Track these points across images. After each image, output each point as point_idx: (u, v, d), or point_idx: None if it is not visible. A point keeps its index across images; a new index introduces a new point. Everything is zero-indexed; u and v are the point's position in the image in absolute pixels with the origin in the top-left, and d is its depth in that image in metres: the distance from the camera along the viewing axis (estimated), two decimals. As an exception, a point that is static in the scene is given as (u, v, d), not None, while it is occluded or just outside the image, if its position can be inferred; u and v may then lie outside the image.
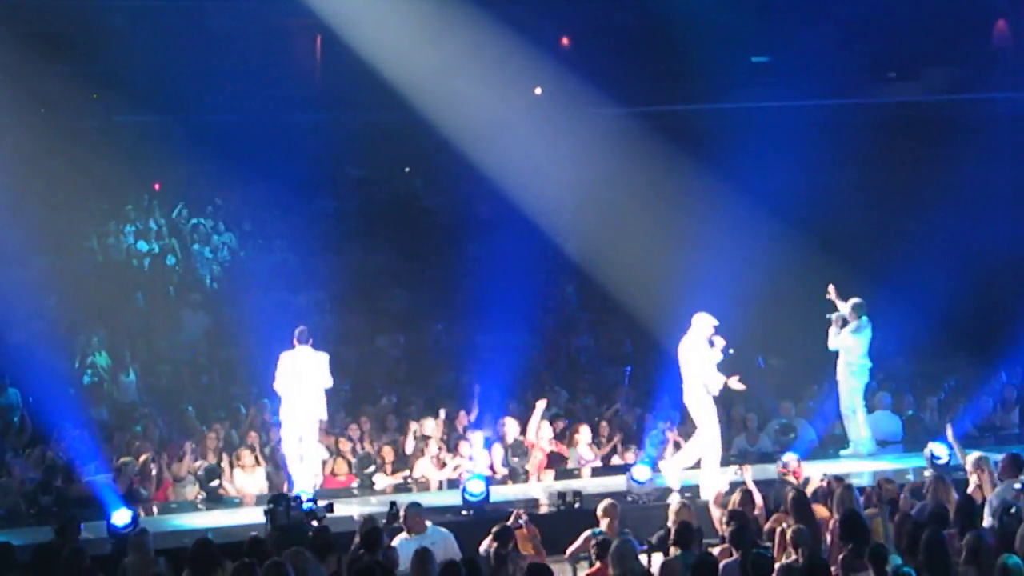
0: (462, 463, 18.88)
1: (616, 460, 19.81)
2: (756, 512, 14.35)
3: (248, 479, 18.43)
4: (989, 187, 26.60)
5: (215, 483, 18.09)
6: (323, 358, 17.50)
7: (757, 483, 15.06)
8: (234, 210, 27.87)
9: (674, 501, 14.31)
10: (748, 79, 29.99)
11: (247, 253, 27.09)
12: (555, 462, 19.49)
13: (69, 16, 26.90)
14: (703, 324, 17.88)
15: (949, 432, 17.05)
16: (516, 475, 18.96)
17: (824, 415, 20.12)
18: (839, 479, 14.99)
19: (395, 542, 13.95)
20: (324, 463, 18.62)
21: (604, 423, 20.56)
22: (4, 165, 24.69)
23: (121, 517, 15.27)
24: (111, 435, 19.29)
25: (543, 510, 16.55)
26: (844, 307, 19.00)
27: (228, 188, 27.82)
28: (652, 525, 14.80)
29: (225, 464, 18.53)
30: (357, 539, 13.48)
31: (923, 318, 22.62)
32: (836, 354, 19.18)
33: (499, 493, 17.24)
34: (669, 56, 28.78)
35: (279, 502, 14.99)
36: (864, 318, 18.99)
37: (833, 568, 12.26)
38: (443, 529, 14.63)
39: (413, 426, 19.86)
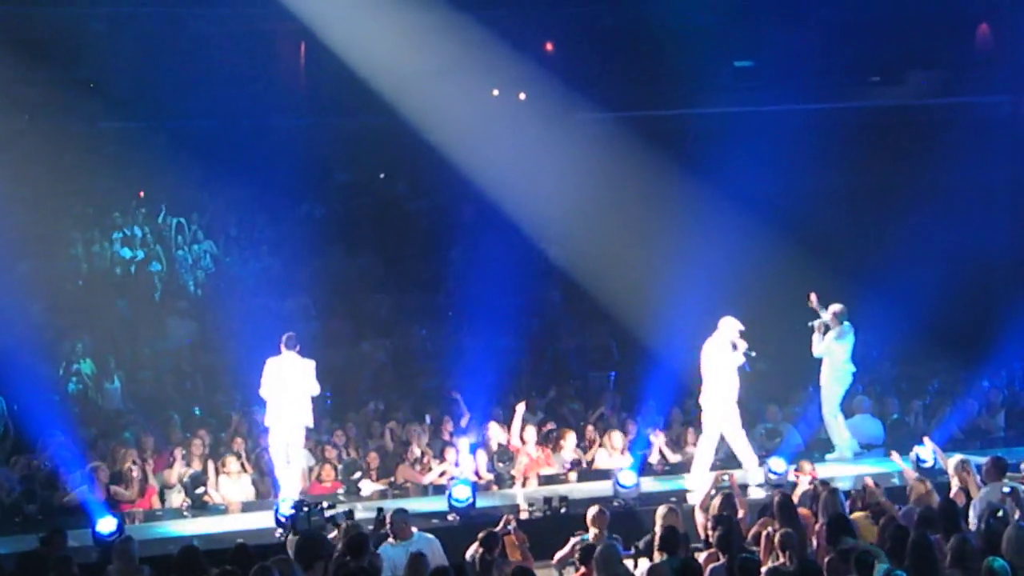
0: (448, 468, 18.87)
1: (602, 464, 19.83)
2: (740, 516, 14.36)
3: (234, 486, 18.40)
4: (972, 190, 26.62)
5: (200, 490, 18.07)
6: (309, 365, 17.44)
7: (742, 487, 15.08)
8: (218, 215, 27.82)
9: (661, 506, 14.29)
10: (731, 83, 30.04)
11: (231, 259, 27.04)
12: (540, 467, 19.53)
13: (52, 22, 26.84)
14: (729, 327, 17.94)
15: (927, 442, 17.15)
16: (502, 480, 18.94)
17: (809, 419, 20.14)
18: (824, 483, 15.02)
19: (381, 548, 13.94)
20: (310, 469, 18.60)
21: (590, 427, 20.55)
22: (-12, 171, 24.66)
23: (106, 525, 15.25)
24: (95, 442, 19.26)
25: (529, 515, 16.55)
26: (826, 314, 19.04)
27: (212, 193, 27.78)
28: (640, 530, 14.80)
29: (210, 471, 18.50)
30: (342, 545, 13.47)
31: (907, 322, 22.65)
32: (821, 359, 19.22)
33: (485, 499, 17.23)
34: (652, 61, 28.82)
35: (300, 507, 15.08)
36: (846, 324, 19.03)
37: (819, 572, 12.29)
38: (429, 535, 14.61)
39: (393, 426, 19.88)
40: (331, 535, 14.48)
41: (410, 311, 26.19)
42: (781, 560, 12.43)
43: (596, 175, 26.30)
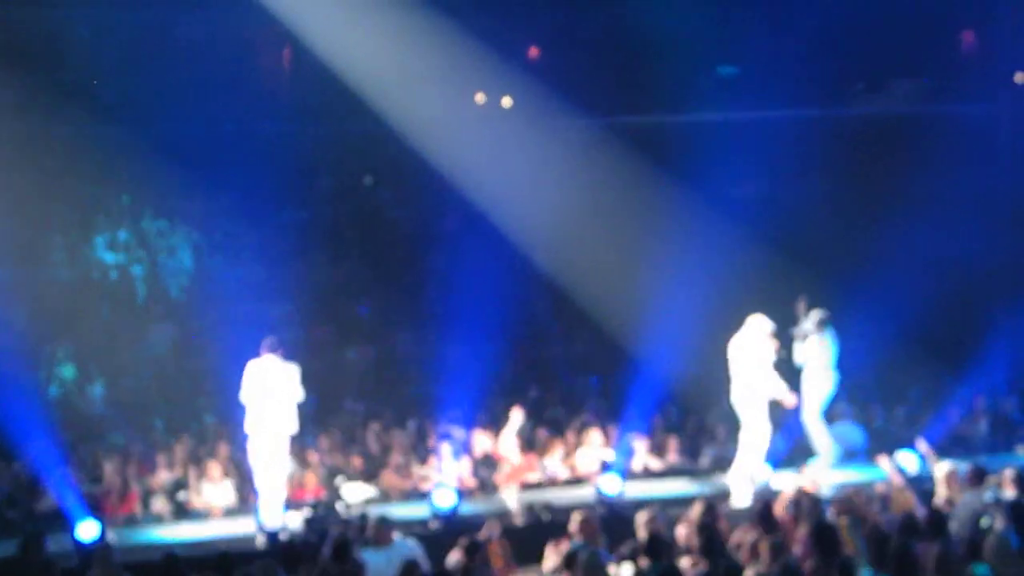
0: (431, 474, 18.85)
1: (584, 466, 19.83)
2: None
3: (216, 492, 18.36)
4: (956, 198, 26.65)
5: (183, 496, 18.03)
6: (293, 370, 17.35)
7: (727, 494, 15.08)
8: (201, 221, 27.76)
9: (641, 512, 14.26)
10: (715, 90, 30.04)
11: (214, 264, 26.99)
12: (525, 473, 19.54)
13: (35, 27, 26.78)
14: (757, 326, 17.89)
15: (921, 444, 17.13)
16: (485, 487, 18.93)
17: (792, 426, 20.14)
18: (806, 490, 15.02)
19: (362, 554, 13.91)
20: (292, 475, 18.55)
21: (572, 433, 20.55)
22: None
23: (87, 531, 15.22)
24: (77, 447, 19.21)
25: (512, 522, 16.53)
26: (807, 322, 19.03)
27: (195, 199, 27.72)
28: (623, 536, 14.78)
29: (192, 477, 18.45)
30: (326, 552, 13.45)
31: (891, 329, 22.69)
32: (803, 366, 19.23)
33: (468, 505, 17.22)
34: (637, 67, 28.81)
35: (317, 509, 15.09)
36: (829, 330, 19.03)
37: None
38: (411, 541, 14.59)
39: (376, 428, 19.87)
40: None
41: (394, 317, 26.18)
42: (763, 566, 12.43)
43: (580, 181, 26.30)
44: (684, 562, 13.13)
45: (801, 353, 19.09)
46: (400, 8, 25.12)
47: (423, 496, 17.69)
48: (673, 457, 20.30)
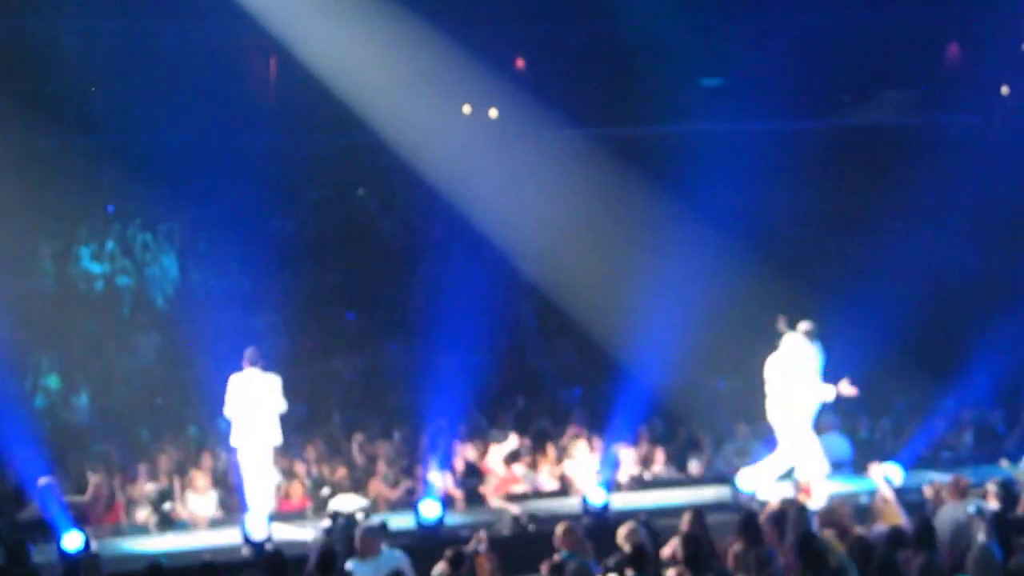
0: (416, 486, 18.84)
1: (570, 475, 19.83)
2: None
3: (201, 502, 18.33)
4: (942, 209, 26.73)
5: (168, 506, 18.00)
6: (275, 381, 17.35)
7: (709, 506, 15.08)
8: (188, 231, 27.72)
9: (624, 525, 14.23)
10: (700, 101, 30.09)
11: (201, 274, 26.95)
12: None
13: (21, 36, 26.75)
14: (795, 343, 17.91)
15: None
16: (471, 498, 18.92)
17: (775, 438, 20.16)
18: (791, 501, 15.02)
19: (348, 565, 13.90)
20: (278, 486, 18.53)
21: (558, 444, 20.54)
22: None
23: (72, 541, 15.19)
24: (63, 458, 19.17)
25: (499, 534, 16.51)
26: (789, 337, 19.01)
27: (182, 209, 27.69)
28: (609, 547, 14.76)
29: (177, 487, 18.43)
30: (311, 561, 13.44)
31: (877, 339, 22.70)
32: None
33: (454, 516, 17.21)
34: (623, 78, 28.87)
35: (337, 517, 15.10)
36: (816, 342, 19.02)
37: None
38: (397, 552, 14.58)
39: (360, 439, 19.87)
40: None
41: (380, 328, 26.16)
42: (750, 577, 12.45)
43: (566, 192, 26.32)
44: (670, 573, 13.12)
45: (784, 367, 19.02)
46: (387, 19, 25.14)
47: (409, 507, 17.66)
48: (660, 468, 20.32)
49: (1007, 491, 15.53)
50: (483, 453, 19.93)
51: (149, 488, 18.27)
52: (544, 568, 12.95)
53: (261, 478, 17.48)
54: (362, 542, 14.25)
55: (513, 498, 18.84)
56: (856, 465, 19.67)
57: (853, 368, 19.11)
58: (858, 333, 21.95)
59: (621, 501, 17.98)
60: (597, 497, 17.11)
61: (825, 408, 19.84)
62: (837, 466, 19.72)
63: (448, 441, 19.80)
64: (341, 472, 19.10)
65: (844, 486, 18.38)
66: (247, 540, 15.84)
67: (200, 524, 17.81)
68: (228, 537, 16.52)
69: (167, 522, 17.73)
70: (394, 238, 29.23)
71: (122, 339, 24.49)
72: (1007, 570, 12.32)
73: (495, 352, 25.18)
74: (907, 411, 22.37)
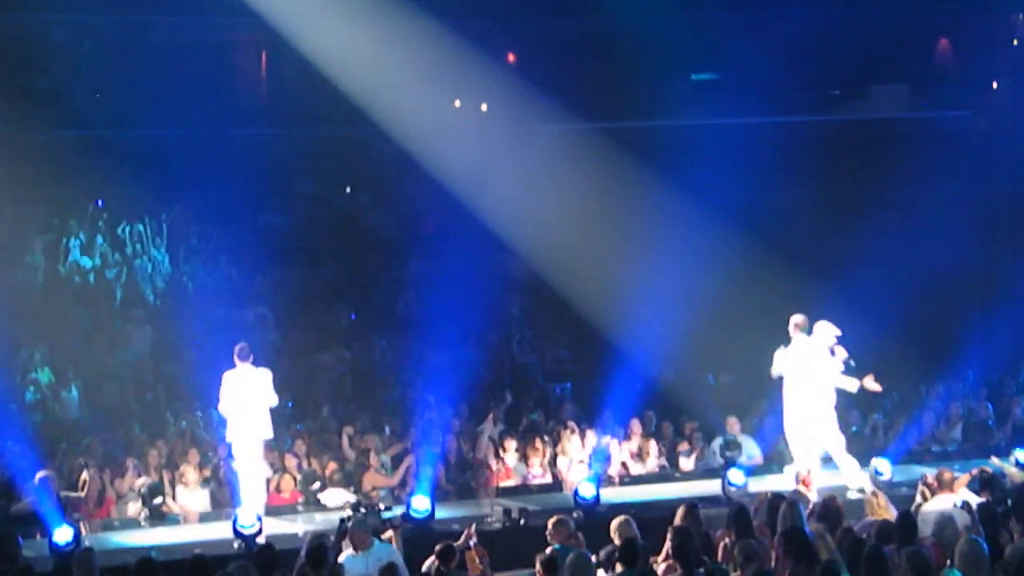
0: (408, 479, 18.84)
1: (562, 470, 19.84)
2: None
3: (191, 496, 18.33)
4: (933, 204, 26.75)
5: (158, 500, 17.98)
6: (266, 375, 17.34)
7: (703, 499, 15.07)
8: (179, 225, 27.67)
9: (616, 519, 14.22)
10: (691, 96, 30.10)
11: (191, 268, 26.91)
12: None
13: (12, 30, 26.73)
14: (825, 333, 17.94)
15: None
16: (462, 492, 18.91)
17: (767, 431, 20.17)
18: (781, 495, 15.00)
19: (341, 558, 13.89)
20: (268, 480, 18.52)
21: (549, 438, 20.54)
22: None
23: (62, 535, 15.17)
24: (53, 452, 19.16)
25: (490, 527, 16.50)
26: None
27: (173, 203, 27.64)
28: (600, 541, 14.75)
29: (167, 481, 18.41)
30: (302, 556, 13.43)
31: (867, 334, 22.69)
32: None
33: (444, 510, 17.20)
34: (614, 73, 28.89)
35: (357, 509, 15.09)
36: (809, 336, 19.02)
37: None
38: (389, 545, 14.57)
39: (350, 432, 19.87)
40: (385, 535, 14.49)
41: (370, 322, 26.14)
42: (737, 570, 12.43)
43: (558, 186, 26.33)
44: (661, 567, 13.11)
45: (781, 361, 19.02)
46: (378, 14, 25.14)
47: (400, 500, 17.65)
48: (652, 462, 20.33)
49: (993, 484, 15.54)
50: (473, 447, 19.94)
51: (139, 482, 18.25)
52: (539, 561, 12.93)
53: (252, 472, 17.46)
54: (354, 536, 14.25)
55: (504, 491, 18.84)
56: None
57: (845, 362, 19.14)
58: (848, 328, 21.95)
59: (612, 495, 17.97)
60: (588, 491, 17.10)
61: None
62: (827, 460, 19.74)
63: (439, 435, 19.80)
64: (331, 466, 19.09)
65: (836, 479, 18.36)
66: (238, 534, 15.82)
67: (190, 518, 17.80)
68: (219, 531, 16.51)
69: (157, 516, 17.73)
70: (385, 233, 29.21)
71: (113, 333, 24.45)
72: (997, 564, 12.32)
73: (486, 346, 25.18)
74: (898, 405, 22.37)
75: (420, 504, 16.57)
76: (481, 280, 24.58)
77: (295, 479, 18.85)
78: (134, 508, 18.00)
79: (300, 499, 18.52)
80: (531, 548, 13.69)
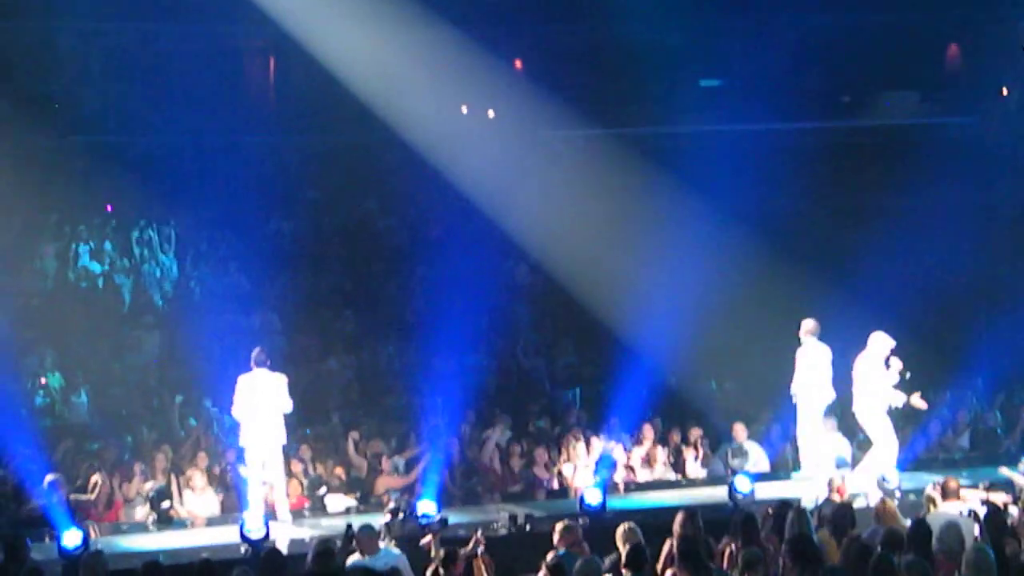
0: (414, 484, 18.86)
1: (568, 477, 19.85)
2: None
3: (199, 501, 18.35)
4: (941, 211, 26.71)
5: (166, 504, 18.01)
6: (281, 380, 17.34)
7: (706, 507, 15.06)
8: (187, 231, 27.72)
9: (620, 525, 14.21)
10: (698, 102, 30.11)
11: (199, 274, 26.95)
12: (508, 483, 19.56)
13: (21, 37, 26.81)
14: (880, 344, 18.00)
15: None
16: (468, 497, 18.92)
17: (774, 438, 20.17)
18: (788, 502, 15.00)
19: (348, 563, 13.92)
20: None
21: (555, 444, 20.56)
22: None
23: (72, 539, 15.20)
24: (63, 455, 19.21)
25: (496, 533, 16.51)
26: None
27: (181, 209, 27.69)
28: (605, 548, 14.76)
29: (175, 486, 18.44)
30: (309, 560, 13.45)
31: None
32: (791, 378, 19.16)
33: (450, 515, 17.19)
34: (621, 79, 28.91)
35: (396, 513, 15.13)
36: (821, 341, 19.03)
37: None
38: (396, 550, 14.60)
39: (355, 436, 19.89)
40: (424, 540, 14.51)
41: (378, 328, 26.14)
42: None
43: (565, 192, 26.34)
44: (667, 573, 13.12)
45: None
46: (385, 21, 25.19)
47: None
48: (659, 468, 20.33)
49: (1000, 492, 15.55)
50: (479, 453, 19.96)
51: (147, 486, 18.28)
52: (545, 566, 12.94)
53: (269, 477, 17.43)
54: (360, 541, 14.28)
55: (510, 497, 18.84)
56: (855, 466, 19.66)
57: (851, 370, 19.17)
58: (855, 334, 21.94)
59: (618, 501, 17.97)
60: (594, 497, 17.11)
61: (827, 409, 19.88)
62: (837, 467, 19.75)
63: (445, 441, 19.81)
64: (338, 471, 19.11)
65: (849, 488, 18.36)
66: (245, 538, 15.84)
67: (198, 522, 17.82)
68: (226, 535, 16.53)
69: (165, 520, 17.75)
70: (392, 238, 29.23)
71: (121, 338, 24.49)
72: (1006, 572, 12.32)
73: (492, 352, 25.17)
74: (905, 413, 22.34)
75: (426, 509, 16.58)
76: (488, 286, 24.60)
77: (302, 484, 18.86)
78: (142, 512, 18.04)
79: (307, 504, 18.53)
80: (537, 554, 13.71)
